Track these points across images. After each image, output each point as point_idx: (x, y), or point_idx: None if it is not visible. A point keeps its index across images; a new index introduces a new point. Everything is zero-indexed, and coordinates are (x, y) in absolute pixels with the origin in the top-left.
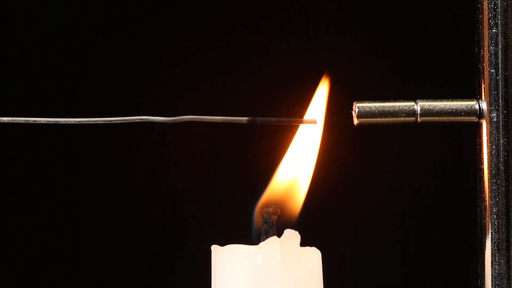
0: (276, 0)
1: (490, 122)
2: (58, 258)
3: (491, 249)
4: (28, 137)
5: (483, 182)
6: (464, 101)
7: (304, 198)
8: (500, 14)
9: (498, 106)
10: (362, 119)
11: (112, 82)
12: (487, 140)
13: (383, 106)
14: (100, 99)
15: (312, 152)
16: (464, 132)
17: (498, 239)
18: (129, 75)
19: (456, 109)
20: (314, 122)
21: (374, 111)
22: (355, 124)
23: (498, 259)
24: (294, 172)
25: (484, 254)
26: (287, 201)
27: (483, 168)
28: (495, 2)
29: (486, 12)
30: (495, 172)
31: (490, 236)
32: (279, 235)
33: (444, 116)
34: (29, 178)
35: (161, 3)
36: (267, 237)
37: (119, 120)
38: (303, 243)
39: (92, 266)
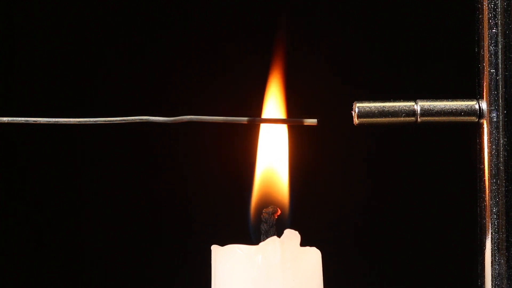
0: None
1: (490, 122)
2: (60, 258)
3: (491, 249)
4: (28, 137)
5: (483, 182)
6: (464, 101)
7: (287, 183)
8: (500, 14)
9: (498, 106)
10: (362, 119)
11: (112, 82)
12: (487, 140)
13: (383, 106)
14: (100, 99)
15: (281, 149)
16: (464, 132)
17: (498, 239)
18: (129, 75)
19: (456, 109)
20: (314, 122)
21: (374, 111)
22: (355, 124)
23: (498, 259)
24: (269, 162)
25: (484, 254)
26: (273, 191)
27: (483, 168)
28: (495, 2)
29: (486, 12)
30: (495, 172)
31: (490, 236)
32: (279, 235)
33: (444, 116)
34: (30, 178)
35: (162, 4)
36: (267, 237)
37: (119, 120)
38: (303, 243)
39: (93, 266)
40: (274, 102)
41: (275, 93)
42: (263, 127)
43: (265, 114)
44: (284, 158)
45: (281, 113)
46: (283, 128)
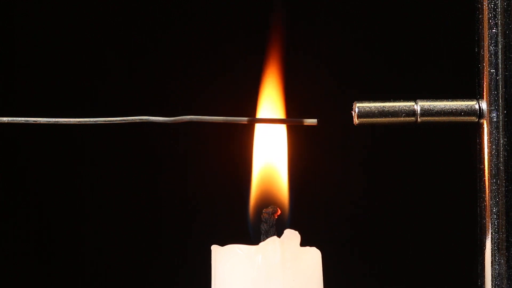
0: None
1: (490, 122)
2: (60, 258)
3: (491, 249)
4: (28, 137)
5: (483, 182)
6: (464, 101)
7: (287, 183)
8: (500, 14)
9: (498, 106)
10: (362, 119)
11: (112, 82)
12: (487, 140)
13: (383, 106)
14: (100, 99)
15: (279, 148)
16: (464, 132)
17: (498, 239)
18: (129, 75)
19: (456, 109)
20: (314, 122)
21: (374, 111)
22: (355, 124)
23: (498, 259)
24: (267, 161)
25: (484, 254)
26: (272, 190)
27: (483, 168)
28: (495, 2)
29: (486, 12)
30: (495, 172)
31: (490, 236)
32: (279, 235)
33: (444, 116)
34: (31, 178)
35: (161, 4)
36: (267, 237)
37: (119, 120)
38: (303, 243)
39: (93, 266)
40: (272, 102)
41: (274, 93)
42: (260, 126)
43: (264, 114)
44: (283, 158)
45: (280, 113)
46: (282, 128)
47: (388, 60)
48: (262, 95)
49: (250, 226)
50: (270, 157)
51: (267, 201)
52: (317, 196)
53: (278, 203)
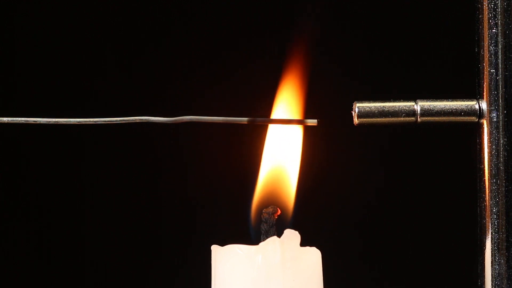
0: (276, 0)
1: (490, 122)
2: (61, 258)
3: (491, 249)
4: (28, 137)
5: (483, 182)
6: (464, 101)
7: (295, 184)
8: (500, 14)
9: (498, 106)
10: (362, 119)
11: (112, 82)
12: (487, 140)
13: (383, 106)
14: (100, 99)
15: (293, 148)
16: (464, 132)
17: (498, 239)
18: (129, 75)
19: (456, 109)
20: (314, 122)
21: (374, 111)
22: (355, 124)
23: (498, 259)
24: (277, 162)
25: (484, 254)
26: (278, 191)
27: (483, 168)
28: (495, 2)
29: (486, 12)
30: (495, 172)
31: (490, 236)
32: (279, 235)
33: (444, 116)
34: (31, 178)
35: (162, 4)
36: (267, 237)
37: (119, 120)
38: (303, 243)
39: (94, 266)
40: (284, 103)
41: (286, 94)
42: (273, 128)
43: (276, 115)
44: (292, 159)
45: (294, 114)
46: (295, 129)
47: (388, 60)
48: (276, 96)
49: (250, 226)
50: (279, 158)
51: (273, 201)
52: (317, 196)
53: (283, 203)
